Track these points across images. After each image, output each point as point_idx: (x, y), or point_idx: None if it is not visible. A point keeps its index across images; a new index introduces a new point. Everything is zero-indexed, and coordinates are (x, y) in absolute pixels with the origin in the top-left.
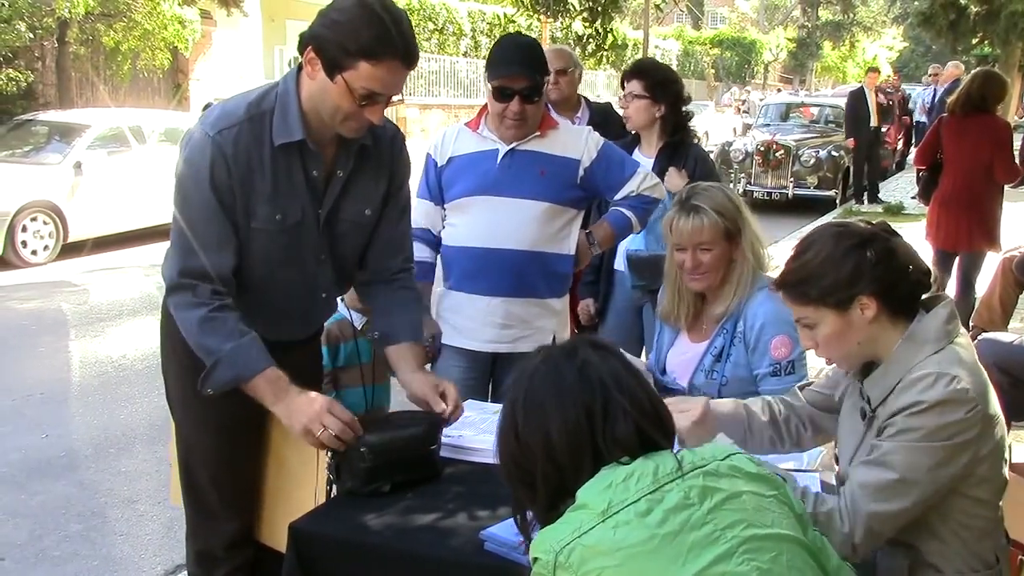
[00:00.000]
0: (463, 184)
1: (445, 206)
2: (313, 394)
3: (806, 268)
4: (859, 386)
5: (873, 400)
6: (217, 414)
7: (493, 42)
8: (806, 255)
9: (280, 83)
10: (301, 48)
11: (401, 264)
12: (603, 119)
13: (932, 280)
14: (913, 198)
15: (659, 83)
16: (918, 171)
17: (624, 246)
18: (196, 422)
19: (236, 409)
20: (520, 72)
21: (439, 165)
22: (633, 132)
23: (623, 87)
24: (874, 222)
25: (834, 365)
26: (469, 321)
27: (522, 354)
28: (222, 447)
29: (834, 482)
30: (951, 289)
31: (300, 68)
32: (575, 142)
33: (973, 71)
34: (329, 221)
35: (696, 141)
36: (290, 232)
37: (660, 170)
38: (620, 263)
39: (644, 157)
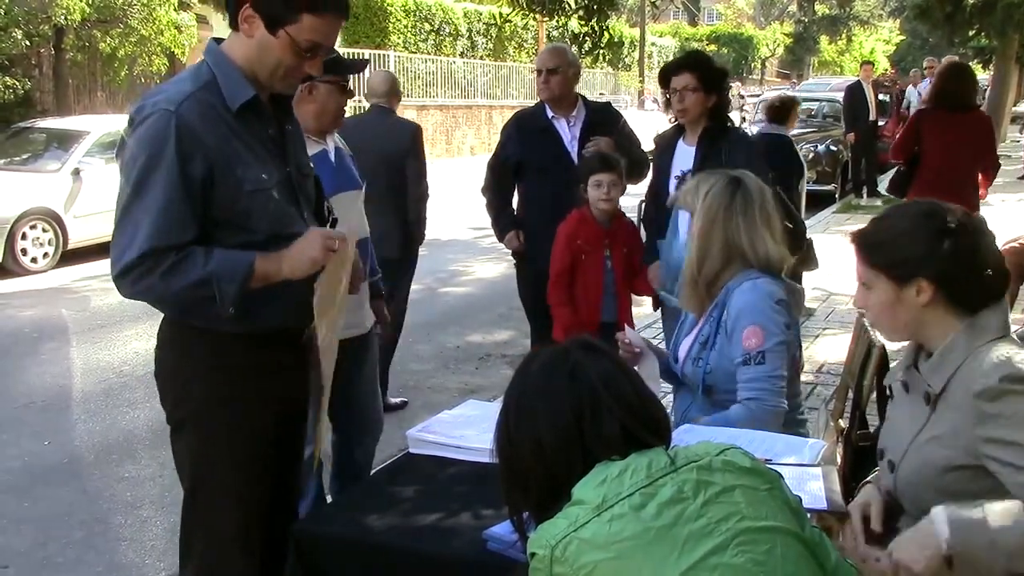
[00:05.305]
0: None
1: None
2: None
3: (880, 233)
4: (916, 372)
5: (935, 385)
6: (244, 438)
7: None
8: (888, 220)
9: (206, 57)
10: (233, 8)
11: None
12: (601, 118)
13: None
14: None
15: (714, 75)
16: (897, 165)
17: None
18: (220, 456)
19: (265, 430)
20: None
21: None
22: (674, 124)
23: (667, 82)
24: (960, 215)
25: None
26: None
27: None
28: (250, 480)
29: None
30: None
31: (219, 40)
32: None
33: (947, 63)
34: (297, 176)
35: (731, 124)
36: (279, 189)
37: (703, 156)
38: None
39: (687, 146)
